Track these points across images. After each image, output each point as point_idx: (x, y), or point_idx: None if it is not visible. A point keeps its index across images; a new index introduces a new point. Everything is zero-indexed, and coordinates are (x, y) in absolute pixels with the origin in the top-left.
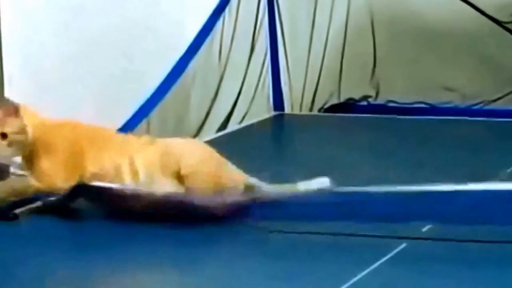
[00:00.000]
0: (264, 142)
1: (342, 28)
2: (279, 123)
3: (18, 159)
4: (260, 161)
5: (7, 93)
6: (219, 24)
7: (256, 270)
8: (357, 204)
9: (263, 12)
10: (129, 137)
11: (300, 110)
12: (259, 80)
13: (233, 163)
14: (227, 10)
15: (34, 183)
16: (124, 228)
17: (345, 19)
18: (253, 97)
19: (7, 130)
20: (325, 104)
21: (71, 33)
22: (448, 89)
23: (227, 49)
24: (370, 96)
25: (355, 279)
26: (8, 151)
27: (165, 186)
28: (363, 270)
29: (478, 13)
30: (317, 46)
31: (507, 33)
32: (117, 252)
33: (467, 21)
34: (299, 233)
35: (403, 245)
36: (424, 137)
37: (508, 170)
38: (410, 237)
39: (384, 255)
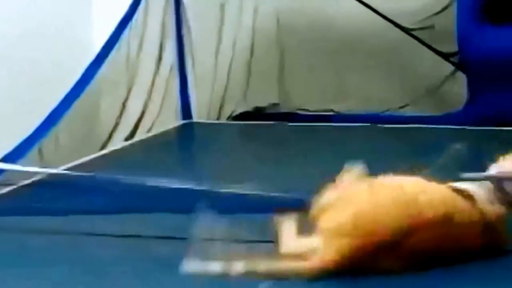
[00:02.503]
0: (171, 150)
1: (249, 37)
2: (187, 132)
3: None
4: (166, 169)
5: None
6: (126, 34)
7: None
8: None
9: (171, 21)
10: None
11: (208, 118)
12: (166, 89)
13: (141, 171)
14: (134, 20)
15: None
16: None
17: (252, 28)
18: (161, 106)
19: None
20: (233, 112)
21: None
22: (357, 96)
23: (135, 59)
24: (277, 104)
25: None
26: None
27: None
28: None
29: (388, 23)
30: (224, 55)
31: (416, 42)
32: None
33: (377, 30)
34: None
35: None
36: (331, 144)
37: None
38: None
39: None
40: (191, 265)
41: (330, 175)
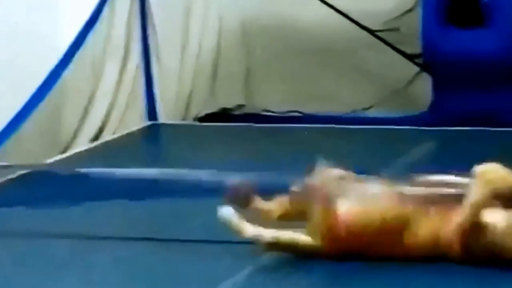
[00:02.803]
0: (135, 151)
1: (215, 39)
2: (152, 133)
3: None
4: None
5: None
6: (91, 36)
7: None
8: None
9: (136, 23)
10: None
11: (174, 119)
12: (132, 91)
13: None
14: (99, 22)
15: None
16: None
17: (217, 30)
18: (127, 107)
19: None
20: (199, 113)
21: None
22: (322, 98)
23: (100, 60)
24: (243, 105)
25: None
26: None
27: None
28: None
29: (353, 25)
30: (190, 56)
31: (381, 43)
32: None
33: (343, 32)
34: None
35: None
36: (297, 144)
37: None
38: None
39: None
40: (226, 211)
41: (294, 175)
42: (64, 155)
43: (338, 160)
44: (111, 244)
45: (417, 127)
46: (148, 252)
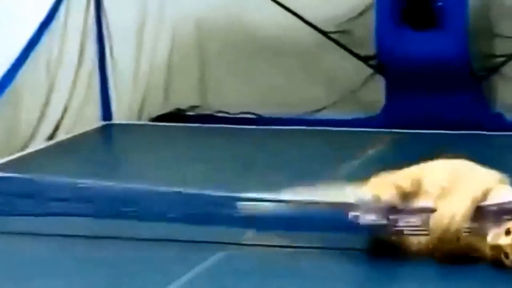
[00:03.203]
0: (91, 151)
1: (170, 40)
2: (107, 133)
3: None
4: (87, 170)
5: None
6: (46, 37)
7: None
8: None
9: (91, 23)
10: None
11: (129, 119)
12: (87, 91)
13: (61, 172)
14: (54, 23)
15: None
16: None
17: (172, 30)
18: (82, 107)
19: None
20: (153, 113)
21: None
22: (277, 100)
23: (56, 60)
24: (198, 106)
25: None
26: None
27: None
28: (176, 279)
29: (309, 28)
30: (145, 57)
31: (336, 45)
32: None
33: (297, 34)
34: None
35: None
36: (250, 146)
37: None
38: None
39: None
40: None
41: (246, 175)
42: (16, 155)
43: (289, 162)
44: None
45: (370, 129)
46: None
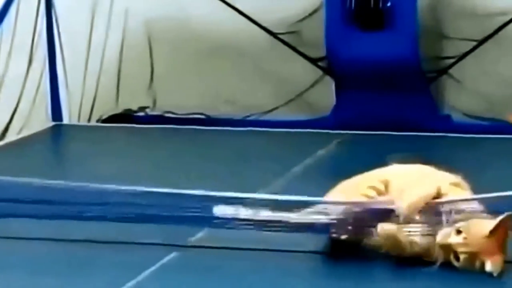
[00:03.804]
0: (40, 152)
1: (119, 40)
2: (57, 134)
3: None
4: (36, 172)
5: None
6: None
7: None
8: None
9: (41, 24)
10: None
11: (79, 120)
12: (37, 91)
13: (10, 174)
14: (4, 23)
15: None
16: None
17: (122, 31)
18: (32, 108)
19: None
20: (103, 114)
21: None
22: (226, 101)
23: (5, 60)
24: (147, 107)
25: None
26: None
27: None
28: (129, 280)
29: (260, 29)
30: (95, 58)
31: (285, 46)
32: None
33: (247, 35)
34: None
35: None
36: (200, 147)
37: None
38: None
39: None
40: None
41: (194, 177)
42: None
43: (237, 164)
44: None
45: (319, 130)
46: None
